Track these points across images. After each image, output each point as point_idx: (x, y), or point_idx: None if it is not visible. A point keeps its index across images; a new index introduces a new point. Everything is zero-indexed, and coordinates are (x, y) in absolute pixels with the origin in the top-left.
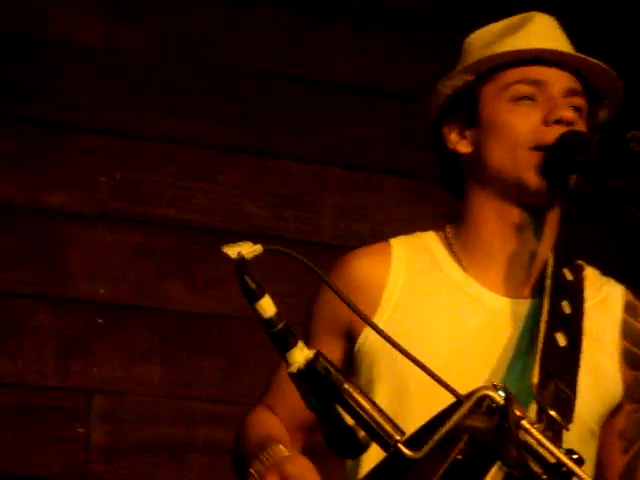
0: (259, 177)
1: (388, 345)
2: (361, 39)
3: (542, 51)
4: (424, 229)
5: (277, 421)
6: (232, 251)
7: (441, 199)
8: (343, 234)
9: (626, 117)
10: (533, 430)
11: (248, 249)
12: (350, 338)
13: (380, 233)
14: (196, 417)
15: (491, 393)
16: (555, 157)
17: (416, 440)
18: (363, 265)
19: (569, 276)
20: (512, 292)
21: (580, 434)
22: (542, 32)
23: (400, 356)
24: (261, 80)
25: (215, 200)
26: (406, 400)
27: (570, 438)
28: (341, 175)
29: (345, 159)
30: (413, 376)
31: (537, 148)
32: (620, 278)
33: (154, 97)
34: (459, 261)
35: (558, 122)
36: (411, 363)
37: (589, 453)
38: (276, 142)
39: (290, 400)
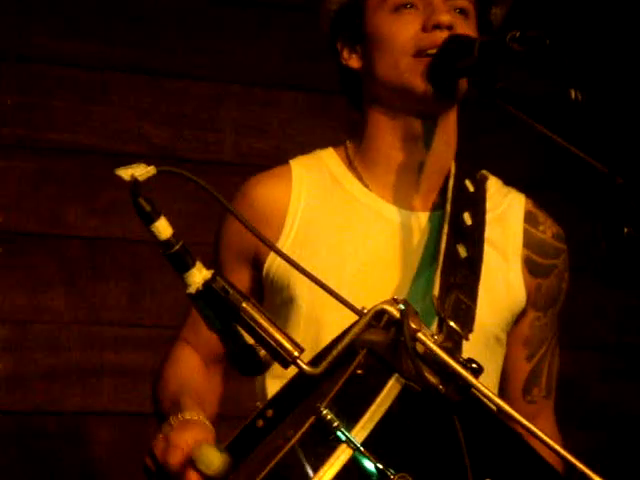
0: (156, 97)
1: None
2: None
3: None
4: (325, 143)
5: (194, 365)
6: (125, 173)
7: (340, 112)
8: (245, 152)
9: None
10: (428, 341)
11: (141, 171)
12: (257, 264)
13: (281, 149)
14: (104, 341)
15: (388, 307)
16: (439, 62)
17: (320, 359)
18: (264, 191)
19: (471, 187)
20: (415, 205)
21: (486, 341)
22: None
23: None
24: None
25: (112, 122)
26: (325, 314)
27: (477, 346)
28: (240, 92)
29: (243, 76)
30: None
31: (420, 55)
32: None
33: (45, 19)
34: (360, 177)
35: (437, 27)
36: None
37: (496, 360)
38: (172, 61)
39: (205, 332)
